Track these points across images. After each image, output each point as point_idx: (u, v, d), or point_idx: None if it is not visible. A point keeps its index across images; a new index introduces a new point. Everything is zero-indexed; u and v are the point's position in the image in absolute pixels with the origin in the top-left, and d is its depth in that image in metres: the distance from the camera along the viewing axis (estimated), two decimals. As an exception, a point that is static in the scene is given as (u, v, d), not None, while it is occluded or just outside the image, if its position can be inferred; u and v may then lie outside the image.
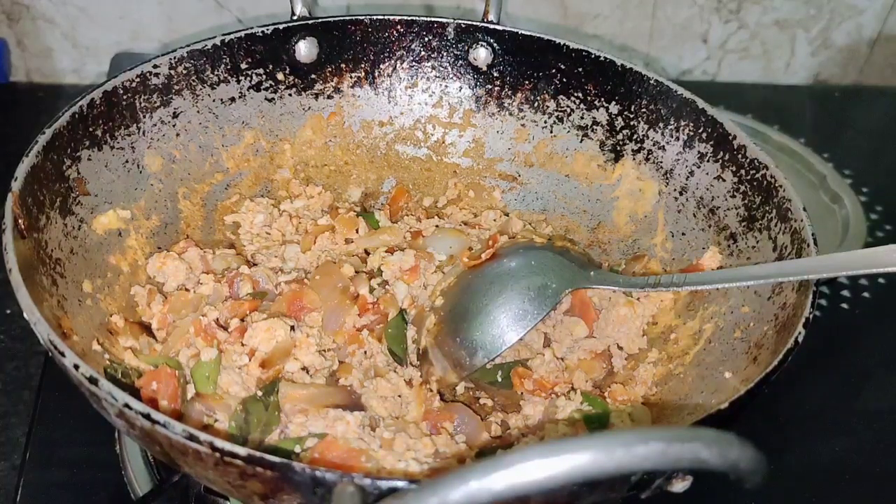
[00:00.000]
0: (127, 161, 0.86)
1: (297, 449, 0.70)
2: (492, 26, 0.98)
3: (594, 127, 0.98)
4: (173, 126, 0.90)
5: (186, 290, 0.84)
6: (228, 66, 0.93)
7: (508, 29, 0.98)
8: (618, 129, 0.96)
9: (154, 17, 1.34)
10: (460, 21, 0.99)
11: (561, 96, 0.99)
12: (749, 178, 0.84)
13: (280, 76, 0.97)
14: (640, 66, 0.93)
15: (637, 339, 0.87)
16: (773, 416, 0.94)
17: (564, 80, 0.98)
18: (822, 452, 0.92)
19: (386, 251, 0.91)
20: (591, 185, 0.99)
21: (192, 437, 0.52)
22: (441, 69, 1.02)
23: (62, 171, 0.77)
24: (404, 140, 1.05)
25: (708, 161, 0.89)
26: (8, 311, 1.04)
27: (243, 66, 0.94)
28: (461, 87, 1.03)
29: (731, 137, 0.86)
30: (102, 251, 0.81)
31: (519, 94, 1.01)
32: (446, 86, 1.03)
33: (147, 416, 0.54)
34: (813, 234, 0.74)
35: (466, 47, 1.01)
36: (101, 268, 0.80)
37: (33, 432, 0.87)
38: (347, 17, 0.98)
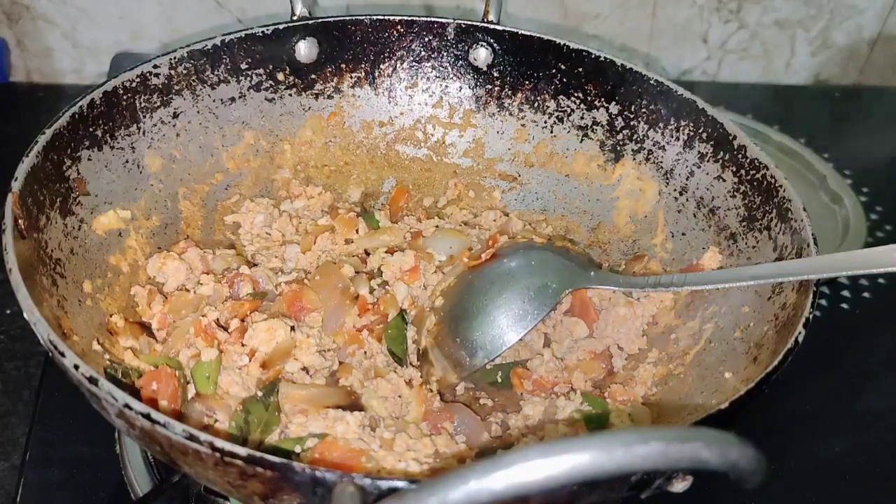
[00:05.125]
0: (127, 161, 0.86)
1: (298, 449, 0.70)
2: (492, 26, 0.98)
3: (594, 127, 0.98)
4: (173, 126, 0.90)
5: (186, 290, 0.84)
6: (228, 66, 0.93)
7: (508, 29, 0.98)
8: (618, 129, 0.96)
9: (154, 17, 1.34)
10: (460, 21, 0.99)
11: (561, 96, 0.99)
12: (749, 178, 0.84)
13: (280, 76, 0.97)
14: (640, 66, 0.93)
15: (637, 339, 0.87)
16: (773, 416, 0.94)
17: (564, 80, 0.98)
18: (822, 452, 0.92)
19: (386, 252, 0.91)
20: (591, 185, 0.99)
21: (192, 437, 0.52)
22: (441, 69, 1.02)
23: (62, 171, 0.77)
24: (404, 140, 1.05)
25: (708, 161, 0.89)
26: (8, 311, 1.04)
27: (243, 66, 0.94)
28: (461, 88, 1.03)
29: (731, 137, 0.86)
30: (102, 251, 0.81)
31: (519, 94, 1.01)
32: (446, 86, 1.03)
33: (147, 416, 0.54)
34: (813, 234, 0.74)
35: (466, 47, 1.01)
36: (101, 268, 0.80)
37: (33, 432, 0.87)
38: (347, 17, 0.98)
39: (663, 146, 0.93)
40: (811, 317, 0.67)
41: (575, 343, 0.87)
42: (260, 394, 0.75)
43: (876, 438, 0.95)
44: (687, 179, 0.91)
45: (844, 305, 1.11)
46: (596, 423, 0.78)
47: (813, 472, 0.91)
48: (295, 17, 0.96)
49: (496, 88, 1.02)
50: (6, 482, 0.86)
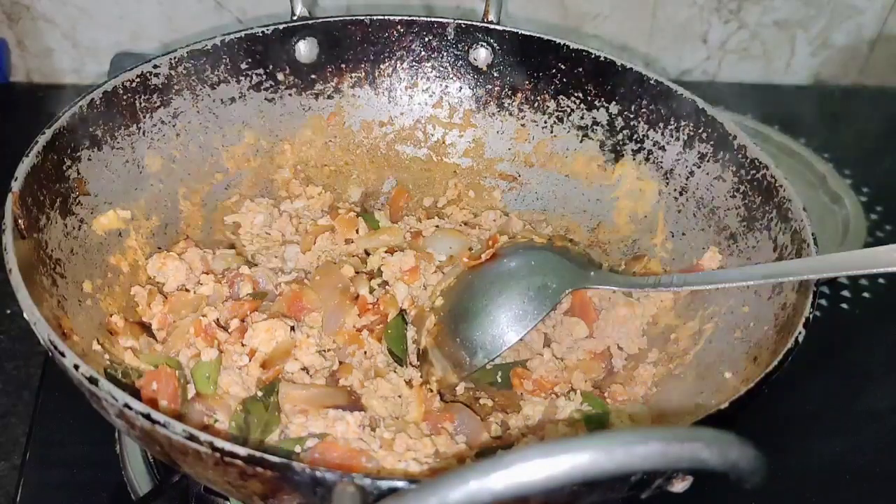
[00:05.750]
0: (127, 161, 0.86)
1: (298, 449, 0.70)
2: (492, 26, 0.98)
3: (594, 127, 0.98)
4: (173, 126, 0.90)
5: (186, 290, 0.84)
6: (228, 66, 0.93)
7: (508, 29, 0.98)
8: (618, 129, 0.96)
9: (154, 17, 1.34)
10: (460, 21, 0.99)
11: (561, 96, 0.99)
12: (749, 178, 0.84)
13: (280, 76, 0.97)
14: (640, 66, 0.93)
15: (637, 339, 0.87)
16: (773, 416, 0.94)
17: (564, 80, 0.98)
18: (822, 452, 0.92)
19: (386, 251, 0.91)
20: (591, 185, 0.99)
21: (192, 437, 0.52)
22: (441, 69, 1.02)
23: (62, 171, 0.77)
24: (404, 140, 1.05)
25: (708, 161, 0.89)
26: (8, 311, 1.04)
27: (243, 66, 0.94)
28: (461, 88, 1.03)
29: (731, 137, 0.86)
30: (102, 251, 0.81)
31: (519, 94, 1.01)
32: (446, 86, 1.03)
33: (147, 416, 0.54)
34: (813, 234, 0.74)
35: (466, 47, 1.01)
36: (101, 268, 0.80)
37: (33, 432, 0.87)
38: (347, 17, 0.98)
39: (663, 146, 0.93)
40: (811, 317, 0.67)
41: (575, 343, 0.87)
42: (260, 394, 0.75)
43: (876, 438, 0.95)
44: (687, 179, 0.91)
45: (844, 305, 1.11)
46: (596, 423, 0.78)
47: (813, 472, 0.91)
48: (295, 17, 0.96)
49: (496, 88, 1.02)
50: (6, 482, 0.86)
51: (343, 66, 1.00)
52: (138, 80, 0.86)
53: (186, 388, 0.75)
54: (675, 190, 0.92)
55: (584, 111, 0.98)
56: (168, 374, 0.73)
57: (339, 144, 1.03)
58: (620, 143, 0.97)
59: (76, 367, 0.57)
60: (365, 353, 0.83)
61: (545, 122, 1.01)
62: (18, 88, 1.40)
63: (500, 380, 0.86)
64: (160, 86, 0.88)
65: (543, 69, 0.98)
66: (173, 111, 0.90)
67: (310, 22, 0.96)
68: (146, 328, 0.81)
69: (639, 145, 0.95)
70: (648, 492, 0.53)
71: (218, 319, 0.80)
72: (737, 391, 0.62)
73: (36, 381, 0.93)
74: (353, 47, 0.99)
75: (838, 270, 0.69)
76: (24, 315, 0.61)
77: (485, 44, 1.00)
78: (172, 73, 0.89)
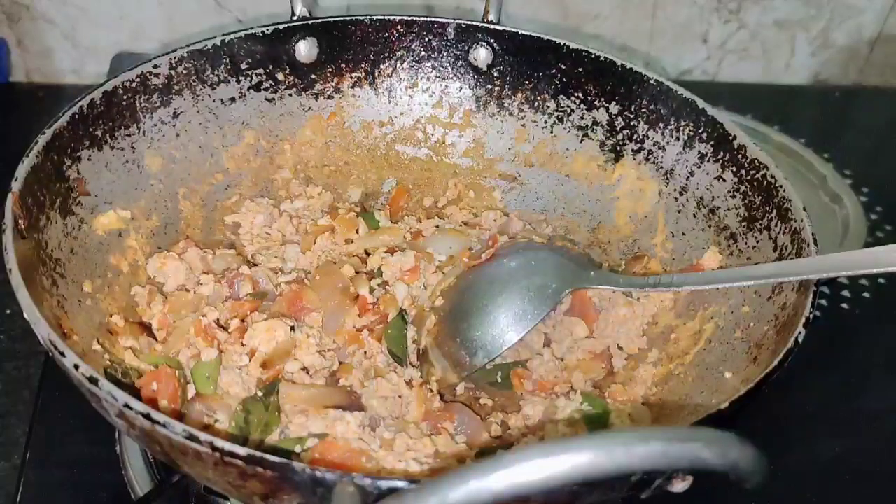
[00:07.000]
0: (127, 161, 0.86)
1: (298, 449, 0.70)
2: (492, 26, 0.98)
3: (594, 127, 0.98)
4: (173, 126, 0.90)
5: (186, 290, 0.84)
6: (228, 66, 0.93)
7: (508, 29, 0.98)
8: (618, 129, 0.96)
9: (154, 17, 1.34)
10: (460, 21, 0.99)
11: (561, 96, 0.99)
12: (749, 178, 0.84)
13: (280, 76, 0.97)
14: (640, 66, 0.93)
15: (637, 339, 0.87)
16: (773, 416, 0.94)
17: (564, 80, 0.98)
18: (822, 452, 0.92)
19: (386, 251, 0.91)
20: (591, 185, 0.99)
21: (192, 437, 0.52)
22: (441, 69, 1.02)
23: (62, 171, 0.77)
24: (404, 140, 1.05)
25: (708, 161, 0.89)
26: (8, 311, 1.04)
27: (243, 66, 0.94)
28: (461, 88, 1.03)
29: (731, 137, 0.86)
30: (102, 251, 0.81)
31: (519, 95, 1.01)
32: (446, 86, 1.03)
33: (147, 416, 0.54)
34: (813, 234, 0.74)
35: (466, 47, 1.01)
36: (101, 268, 0.80)
37: (33, 432, 0.87)
38: (347, 17, 0.98)
39: (663, 146, 0.93)
40: (811, 317, 0.67)
41: (575, 343, 0.87)
42: (260, 394, 0.75)
43: (876, 438, 0.95)
44: (687, 179, 0.91)
45: (844, 305, 1.11)
46: (596, 423, 0.78)
47: (813, 472, 0.91)
48: (295, 17, 0.96)
49: (496, 88, 1.02)
50: (6, 482, 0.86)
51: (343, 66, 1.00)
52: (138, 80, 0.86)
53: (186, 388, 0.75)
54: (675, 190, 0.92)
55: (584, 111, 0.98)
56: (168, 374, 0.73)
57: (339, 144, 1.03)
58: (620, 143, 0.97)
59: (76, 367, 0.57)
60: (365, 353, 0.83)
61: (545, 122, 1.01)
62: (18, 88, 1.40)
63: (500, 380, 0.86)
64: (160, 86, 0.88)
65: (543, 69, 0.98)
66: (173, 111, 0.90)
67: (310, 22, 0.96)
68: (146, 328, 0.81)
69: (639, 145, 0.95)
70: (648, 492, 0.53)
71: (218, 319, 0.80)
72: (737, 391, 0.62)
73: (36, 381, 0.93)
74: (353, 47, 0.99)
75: (838, 270, 0.69)
76: (24, 315, 0.61)
77: (485, 44, 1.00)
78: (172, 73, 0.89)
